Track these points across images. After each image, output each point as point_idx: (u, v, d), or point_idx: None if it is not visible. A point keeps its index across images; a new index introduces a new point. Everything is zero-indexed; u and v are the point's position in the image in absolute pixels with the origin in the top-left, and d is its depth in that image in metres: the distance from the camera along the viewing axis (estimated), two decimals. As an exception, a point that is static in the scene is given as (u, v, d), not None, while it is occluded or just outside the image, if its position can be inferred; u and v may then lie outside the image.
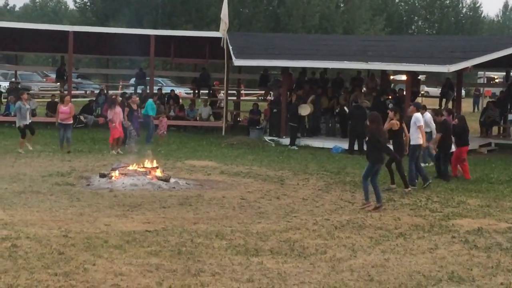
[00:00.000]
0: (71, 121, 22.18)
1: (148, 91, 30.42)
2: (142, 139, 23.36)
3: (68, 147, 21.57)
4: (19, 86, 35.09)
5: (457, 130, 18.82)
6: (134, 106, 22.81)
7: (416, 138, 16.90)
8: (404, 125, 16.68)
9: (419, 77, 30.69)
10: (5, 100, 31.14)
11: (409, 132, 16.88)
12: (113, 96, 23.37)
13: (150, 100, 24.84)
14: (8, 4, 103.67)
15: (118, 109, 21.76)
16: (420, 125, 16.95)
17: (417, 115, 17.12)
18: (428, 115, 19.52)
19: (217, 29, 30.24)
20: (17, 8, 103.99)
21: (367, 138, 14.71)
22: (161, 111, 27.72)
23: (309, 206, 14.29)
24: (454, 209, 14.31)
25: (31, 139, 21.55)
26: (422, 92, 37.13)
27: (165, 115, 26.24)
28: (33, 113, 29.99)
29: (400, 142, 16.50)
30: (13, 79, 38.73)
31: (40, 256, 9.74)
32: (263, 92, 35.27)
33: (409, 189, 16.22)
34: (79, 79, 49.18)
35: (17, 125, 21.45)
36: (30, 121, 21.42)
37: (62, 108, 21.93)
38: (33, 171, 17.46)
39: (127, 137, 22.24)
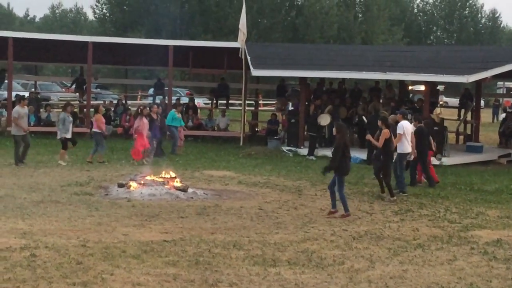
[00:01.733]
0: None
1: (166, 101, 30.53)
2: (167, 149, 23.43)
3: (101, 157, 21.64)
4: (39, 96, 35.30)
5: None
6: (154, 116, 22.81)
7: (402, 146, 17.04)
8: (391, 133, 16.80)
9: (437, 87, 30.58)
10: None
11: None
12: (141, 107, 23.33)
13: (173, 111, 24.84)
14: (28, 15, 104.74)
15: (145, 120, 21.70)
16: (399, 133, 17.00)
17: (402, 123, 17.19)
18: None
19: (236, 40, 30.32)
20: (37, 19, 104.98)
21: (333, 148, 14.73)
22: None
23: (327, 217, 14.26)
24: (473, 220, 14.23)
25: (64, 153, 21.23)
26: (440, 103, 37.01)
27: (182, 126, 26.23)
28: (51, 123, 30.27)
29: (390, 150, 16.59)
30: (33, 90, 38.98)
31: (59, 265, 9.78)
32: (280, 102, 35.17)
33: (395, 198, 16.34)
34: (98, 89, 49.43)
35: (58, 136, 21.42)
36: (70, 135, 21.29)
37: (103, 118, 22.00)
38: (52, 181, 17.56)
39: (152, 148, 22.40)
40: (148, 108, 22.88)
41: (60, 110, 23.02)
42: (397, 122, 17.74)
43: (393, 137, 16.73)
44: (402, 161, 17.23)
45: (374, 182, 17.85)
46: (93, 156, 21.48)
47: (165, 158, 22.29)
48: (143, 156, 21.45)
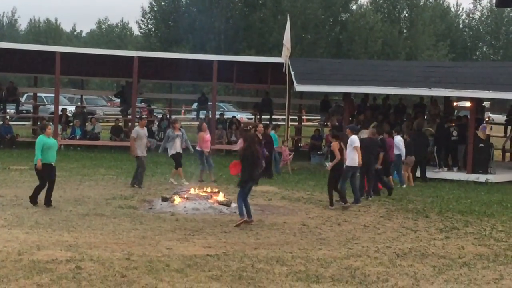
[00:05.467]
0: None
1: (210, 116, 30.70)
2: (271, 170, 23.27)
3: (212, 176, 21.31)
4: (85, 110, 35.76)
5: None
6: (260, 136, 22.58)
7: (351, 159, 17.51)
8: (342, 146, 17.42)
9: (483, 104, 30.24)
10: (71, 124, 31.78)
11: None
12: (248, 126, 23.08)
13: (272, 132, 24.68)
14: (75, 30, 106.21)
15: None
16: (356, 146, 17.62)
17: (353, 137, 17.79)
18: (398, 137, 21.65)
19: (279, 55, 30.35)
20: (84, 34, 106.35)
21: (241, 158, 15.05)
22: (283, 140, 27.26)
23: (371, 233, 14.16)
24: (520, 239, 14.01)
25: (175, 172, 20.67)
26: (486, 119, 36.55)
27: (286, 144, 25.98)
28: (97, 137, 30.65)
29: (341, 163, 17.14)
30: (79, 103, 39.52)
31: (103, 278, 9.87)
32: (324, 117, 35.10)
33: (334, 207, 16.94)
34: (143, 103, 49.90)
35: (160, 150, 21.70)
36: (180, 151, 20.48)
37: (206, 136, 21.42)
38: (97, 194, 17.76)
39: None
40: (251, 127, 22.52)
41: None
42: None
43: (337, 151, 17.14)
44: (348, 173, 17.60)
45: (417, 199, 17.67)
46: (203, 175, 21.21)
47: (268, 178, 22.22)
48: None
